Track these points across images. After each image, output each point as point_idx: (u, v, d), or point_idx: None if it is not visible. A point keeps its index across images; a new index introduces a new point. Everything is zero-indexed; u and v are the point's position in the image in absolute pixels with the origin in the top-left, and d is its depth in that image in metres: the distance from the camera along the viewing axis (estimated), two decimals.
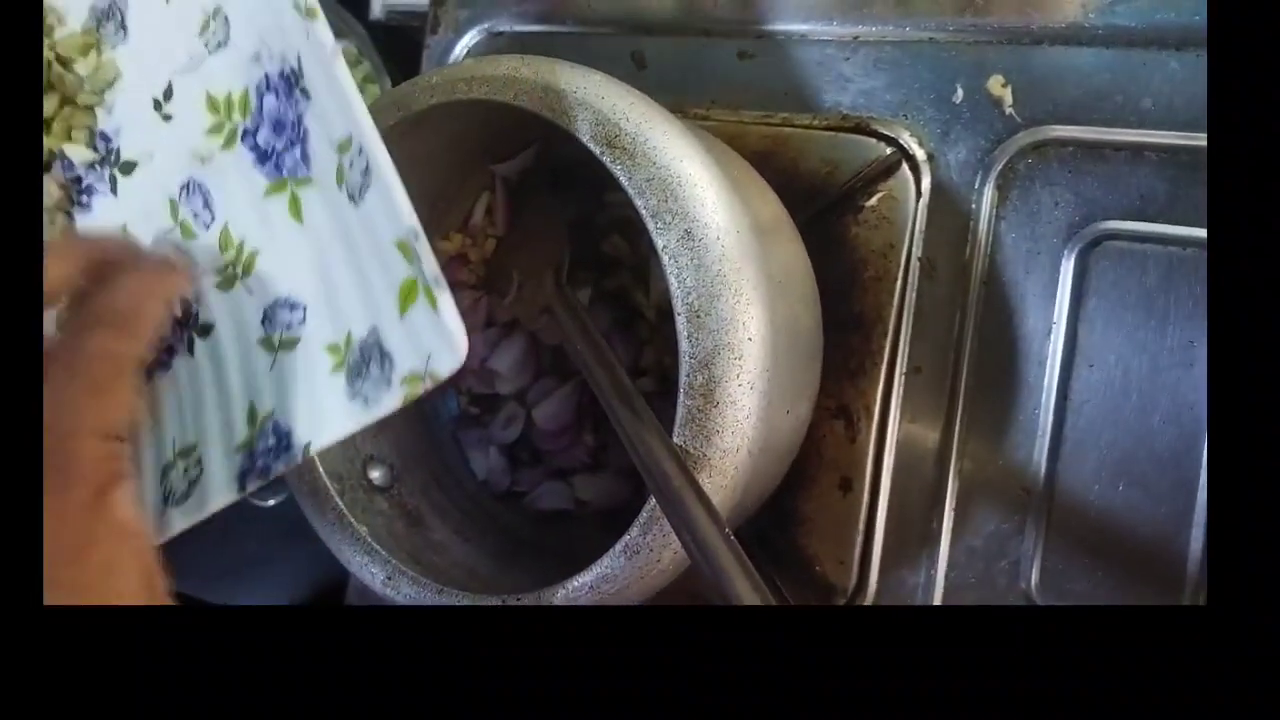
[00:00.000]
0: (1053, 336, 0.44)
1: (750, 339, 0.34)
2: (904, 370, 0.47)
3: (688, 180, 0.35)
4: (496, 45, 0.57)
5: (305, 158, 0.35)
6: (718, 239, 0.34)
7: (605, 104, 0.36)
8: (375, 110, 0.40)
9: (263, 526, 0.70)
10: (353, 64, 0.71)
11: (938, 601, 0.46)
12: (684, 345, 0.34)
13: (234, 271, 0.38)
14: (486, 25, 0.57)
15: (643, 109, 0.36)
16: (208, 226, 0.39)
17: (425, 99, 0.39)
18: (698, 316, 0.34)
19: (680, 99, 0.52)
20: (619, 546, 0.35)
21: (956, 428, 0.46)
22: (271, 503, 0.70)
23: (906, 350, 0.47)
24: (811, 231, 0.46)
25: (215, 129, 0.38)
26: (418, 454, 0.51)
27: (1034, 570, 0.44)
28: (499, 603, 0.38)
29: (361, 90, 0.39)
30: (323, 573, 0.70)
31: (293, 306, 0.36)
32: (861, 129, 0.48)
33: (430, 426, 0.53)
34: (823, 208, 0.47)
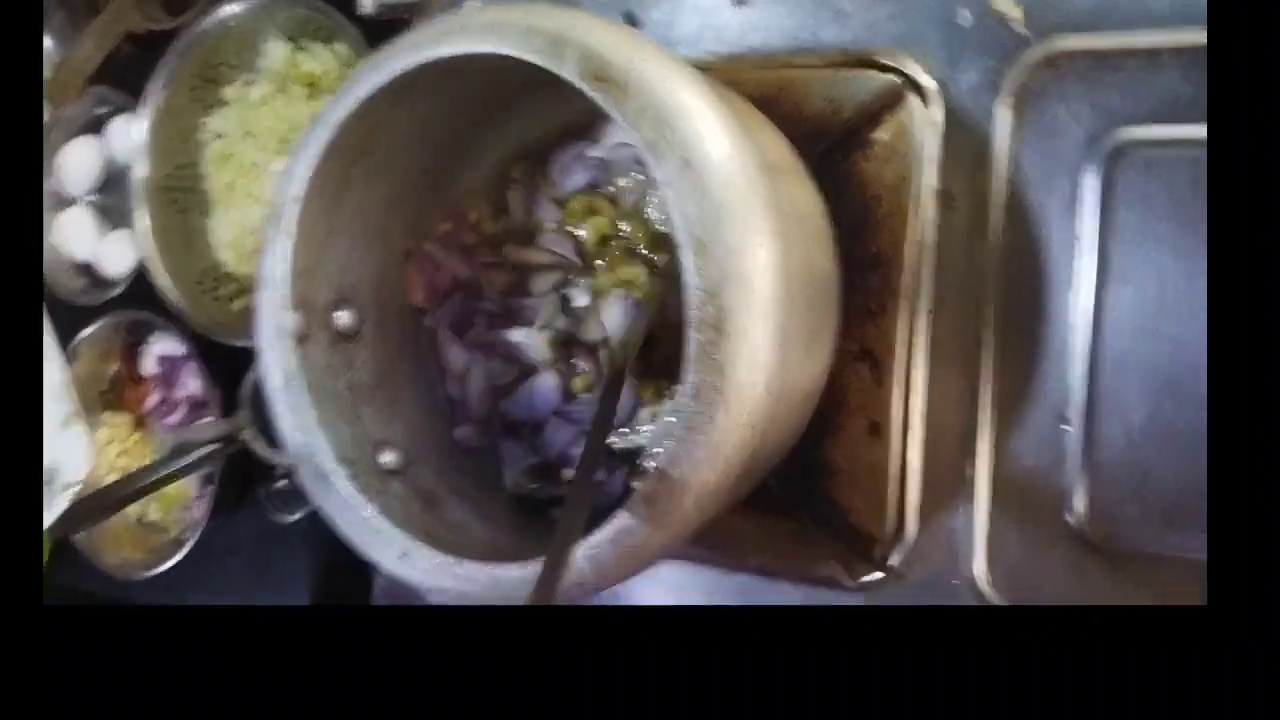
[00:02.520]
0: (1082, 256, 0.42)
1: (760, 269, 0.33)
2: (927, 307, 0.45)
3: (683, 110, 0.33)
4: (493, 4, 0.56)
5: None
6: (719, 167, 0.33)
7: (593, 38, 0.34)
8: (359, 75, 0.39)
9: (287, 542, 0.70)
10: (346, 64, 0.70)
11: (980, 541, 0.43)
12: (691, 279, 0.32)
13: None
14: (478, 3, 0.56)
15: (632, 40, 0.35)
16: None
17: (409, 58, 0.38)
18: (703, 246, 0.32)
19: (677, 53, 0.50)
20: (636, 496, 0.34)
21: (987, 363, 0.44)
22: (292, 519, 0.69)
23: (930, 287, 0.45)
24: (821, 172, 0.45)
25: None
26: (434, 439, 0.50)
27: (1079, 501, 0.42)
28: (520, 572, 0.36)
29: None
30: (348, 584, 0.69)
31: None
32: (864, 63, 0.46)
33: (444, 410, 0.52)
34: (830, 146, 0.46)
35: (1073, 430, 0.42)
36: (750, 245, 0.33)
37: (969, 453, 0.44)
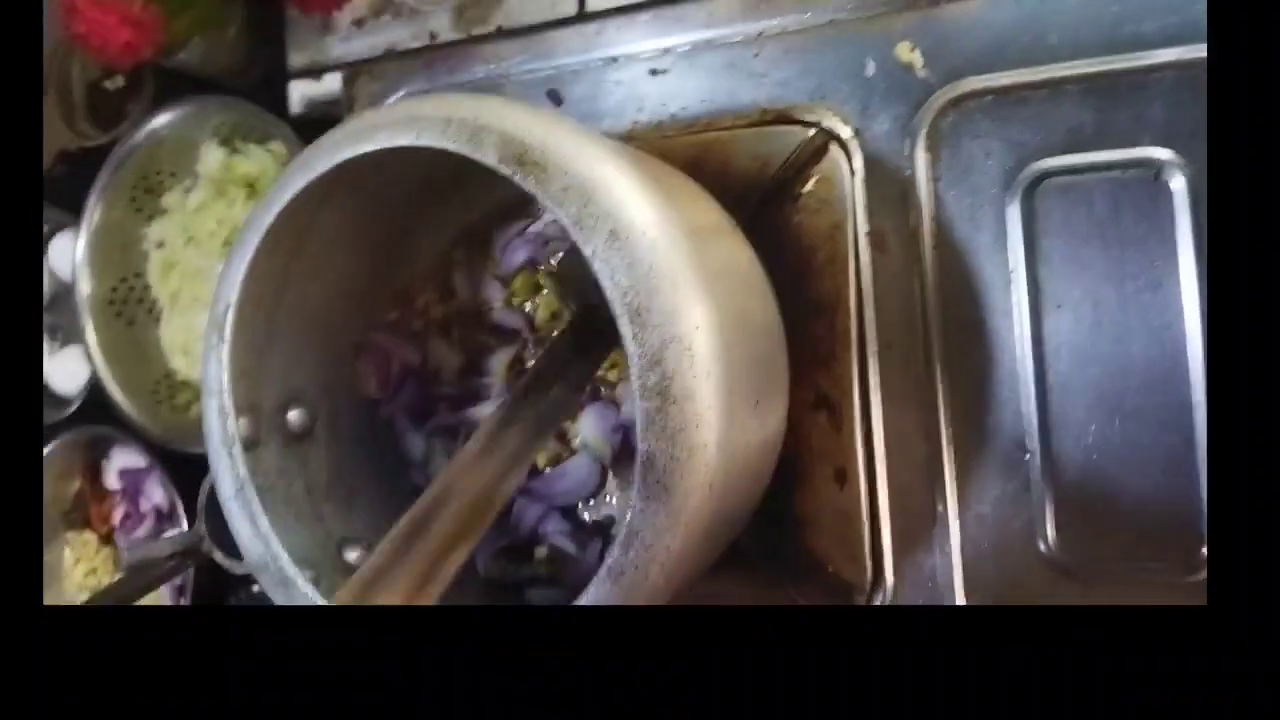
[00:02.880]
0: (1014, 285, 0.43)
1: (698, 327, 0.33)
2: (875, 349, 0.45)
3: (604, 183, 0.34)
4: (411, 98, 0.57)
5: None
6: (645, 234, 0.33)
7: (509, 124, 0.35)
8: (285, 178, 0.40)
9: None
10: (283, 162, 0.71)
11: (958, 578, 0.43)
12: (630, 347, 0.33)
13: None
14: (402, 92, 0.57)
15: (547, 122, 0.36)
16: None
17: (329, 158, 0.38)
18: (639, 315, 0.33)
19: (601, 126, 0.52)
20: (603, 572, 0.34)
21: (940, 396, 0.44)
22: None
23: (873, 328, 0.46)
24: (755, 228, 0.45)
25: None
26: None
27: (1048, 527, 0.42)
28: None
29: None
30: None
31: None
32: (783, 119, 0.48)
33: (409, 500, 0.51)
34: (760, 201, 0.47)
35: (1033, 456, 0.43)
36: (685, 308, 0.33)
37: (937, 488, 0.44)
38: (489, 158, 0.35)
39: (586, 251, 0.34)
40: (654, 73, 0.51)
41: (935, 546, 0.44)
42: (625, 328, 0.33)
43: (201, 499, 0.48)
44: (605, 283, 0.33)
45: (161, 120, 0.72)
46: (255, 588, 0.67)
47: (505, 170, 0.35)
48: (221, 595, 0.69)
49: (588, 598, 0.34)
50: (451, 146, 0.36)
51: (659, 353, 0.32)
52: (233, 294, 0.41)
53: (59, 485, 0.78)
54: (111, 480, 0.77)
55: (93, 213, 0.74)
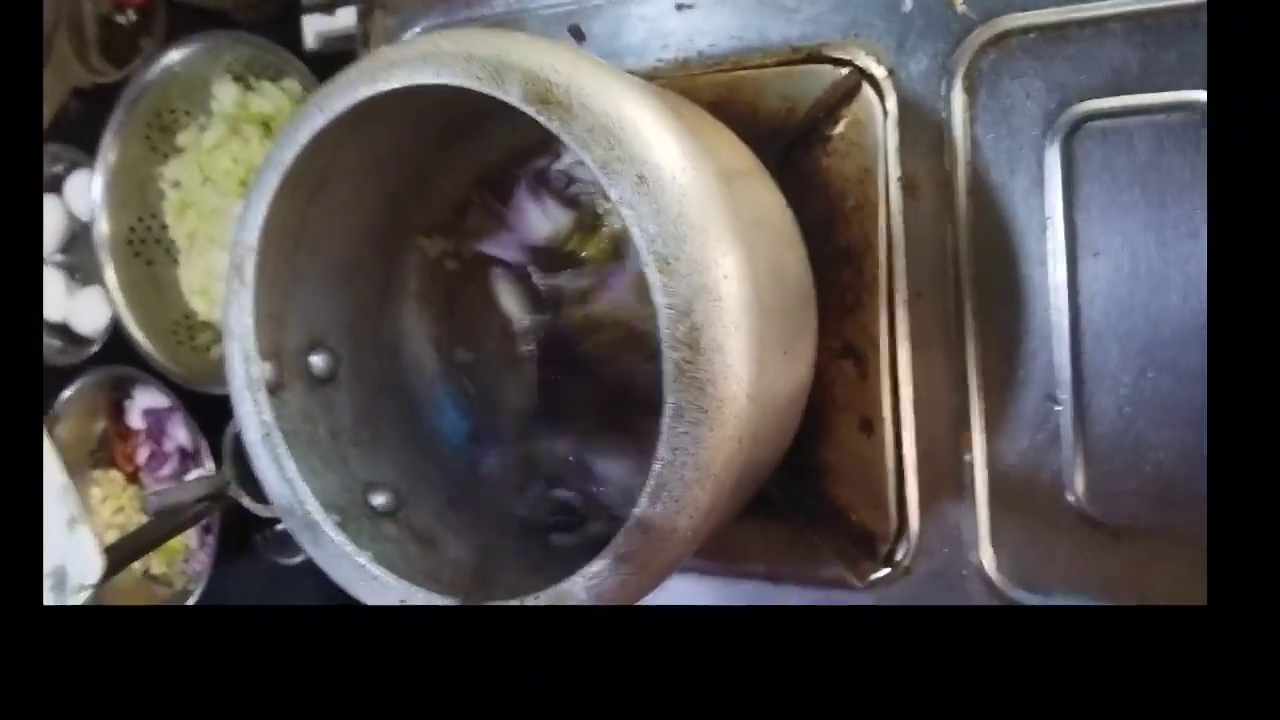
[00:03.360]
0: (1050, 232, 0.42)
1: (727, 277, 0.32)
2: (905, 297, 0.45)
3: (631, 123, 0.33)
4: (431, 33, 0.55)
5: None
6: (674, 179, 0.32)
7: (532, 61, 0.34)
8: (300, 117, 0.39)
9: (292, 584, 0.69)
10: (297, 100, 0.70)
11: (984, 529, 0.43)
12: (658, 297, 0.32)
13: None
14: (419, 28, 0.55)
15: (572, 59, 0.34)
16: None
17: (346, 97, 0.37)
18: (667, 263, 0.32)
19: (624, 64, 0.50)
20: (632, 521, 0.33)
21: (970, 346, 0.44)
22: (293, 561, 0.69)
23: (904, 276, 0.45)
24: (783, 172, 0.44)
25: None
26: (424, 473, 0.49)
27: (1078, 479, 0.42)
28: (519, 604, 0.36)
29: None
30: None
31: None
32: (814, 58, 0.46)
33: (434, 444, 0.51)
34: (788, 144, 0.45)
35: (1064, 408, 0.42)
36: (715, 256, 0.32)
37: (964, 440, 0.43)
38: (512, 96, 0.34)
39: (613, 196, 0.33)
40: (680, 8, 0.49)
41: (961, 498, 0.43)
42: (653, 277, 0.32)
43: (227, 442, 0.49)
44: (632, 229, 0.32)
45: (174, 57, 0.71)
46: (279, 526, 0.68)
47: (529, 109, 0.34)
48: (247, 535, 0.70)
49: (615, 548, 0.34)
50: (473, 85, 0.34)
51: (688, 303, 0.32)
52: (253, 237, 0.40)
53: (84, 424, 0.79)
54: (135, 420, 0.78)
55: (108, 152, 0.73)
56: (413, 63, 0.36)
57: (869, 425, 0.44)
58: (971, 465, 0.43)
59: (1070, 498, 0.42)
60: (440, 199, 0.51)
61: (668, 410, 0.32)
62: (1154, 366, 0.41)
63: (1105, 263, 0.41)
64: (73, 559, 0.47)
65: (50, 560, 0.46)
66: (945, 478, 0.44)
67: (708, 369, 0.32)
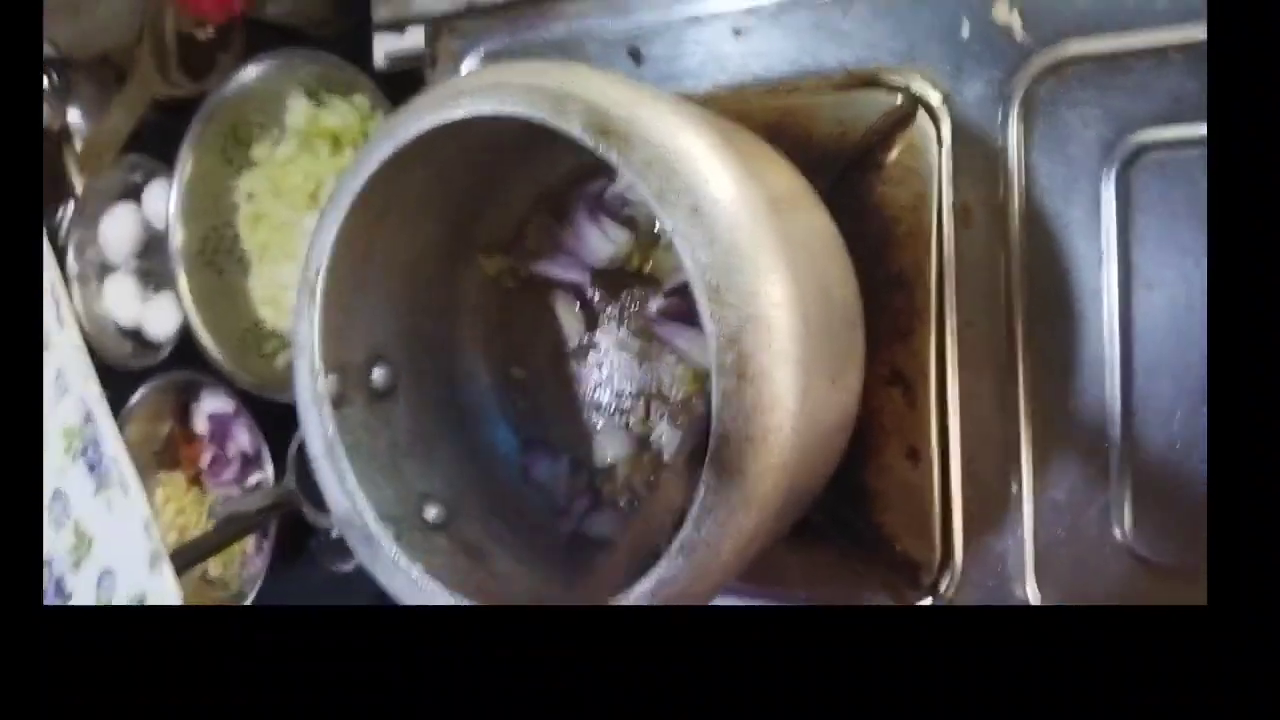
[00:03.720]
0: (1105, 264, 0.42)
1: (776, 307, 0.33)
2: (955, 326, 0.45)
3: (687, 155, 0.34)
4: (497, 64, 0.57)
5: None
6: (726, 210, 0.33)
7: (592, 93, 0.35)
8: (371, 144, 0.40)
9: (346, 591, 0.71)
10: (366, 117, 0.72)
11: (1029, 564, 0.43)
12: (708, 325, 0.33)
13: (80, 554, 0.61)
14: (483, 50, 0.57)
15: (631, 92, 0.35)
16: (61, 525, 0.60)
17: (414, 126, 0.38)
18: (717, 292, 0.33)
19: (681, 87, 0.51)
20: (675, 546, 0.34)
21: (1020, 377, 0.43)
22: (347, 568, 0.71)
23: (954, 304, 0.45)
24: (836, 196, 0.45)
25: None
26: (474, 487, 0.50)
27: (1126, 516, 0.42)
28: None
29: None
30: None
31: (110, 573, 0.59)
32: (869, 82, 0.46)
33: (484, 459, 0.53)
34: (842, 169, 0.46)
35: (1114, 443, 0.42)
36: (764, 286, 0.33)
37: (1012, 471, 0.43)
38: (573, 128, 0.35)
39: (667, 225, 0.34)
40: (737, 32, 0.50)
41: (1007, 530, 0.43)
42: (703, 305, 0.33)
43: (290, 453, 0.50)
44: (685, 259, 0.33)
45: (250, 72, 0.74)
46: (333, 533, 0.70)
47: (589, 141, 0.35)
48: (302, 540, 0.72)
49: (660, 572, 0.34)
50: (536, 116, 0.36)
51: (737, 331, 0.33)
52: (324, 258, 0.42)
53: (151, 426, 0.83)
54: (200, 424, 0.81)
55: (185, 163, 0.76)
56: (478, 93, 0.37)
57: (916, 453, 0.44)
58: (1019, 498, 0.43)
59: (1118, 534, 0.41)
60: (501, 218, 0.52)
61: (714, 436, 0.33)
62: (1206, 403, 0.40)
63: (1160, 296, 0.41)
64: (153, 591, 0.51)
65: (130, 590, 0.50)
66: (991, 509, 0.43)
67: (755, 397, 0.32)
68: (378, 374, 0.47)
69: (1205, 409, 0.40)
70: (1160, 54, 0.40)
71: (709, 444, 0.33)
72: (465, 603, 0.40)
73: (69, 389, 0.68)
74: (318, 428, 0.43)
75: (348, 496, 0.42)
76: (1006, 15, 0.43)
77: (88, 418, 0.66)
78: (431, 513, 0.46)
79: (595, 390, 0.52)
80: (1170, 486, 0.41)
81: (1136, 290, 0.41)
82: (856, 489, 0.45)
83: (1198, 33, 0.40)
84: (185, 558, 0.52)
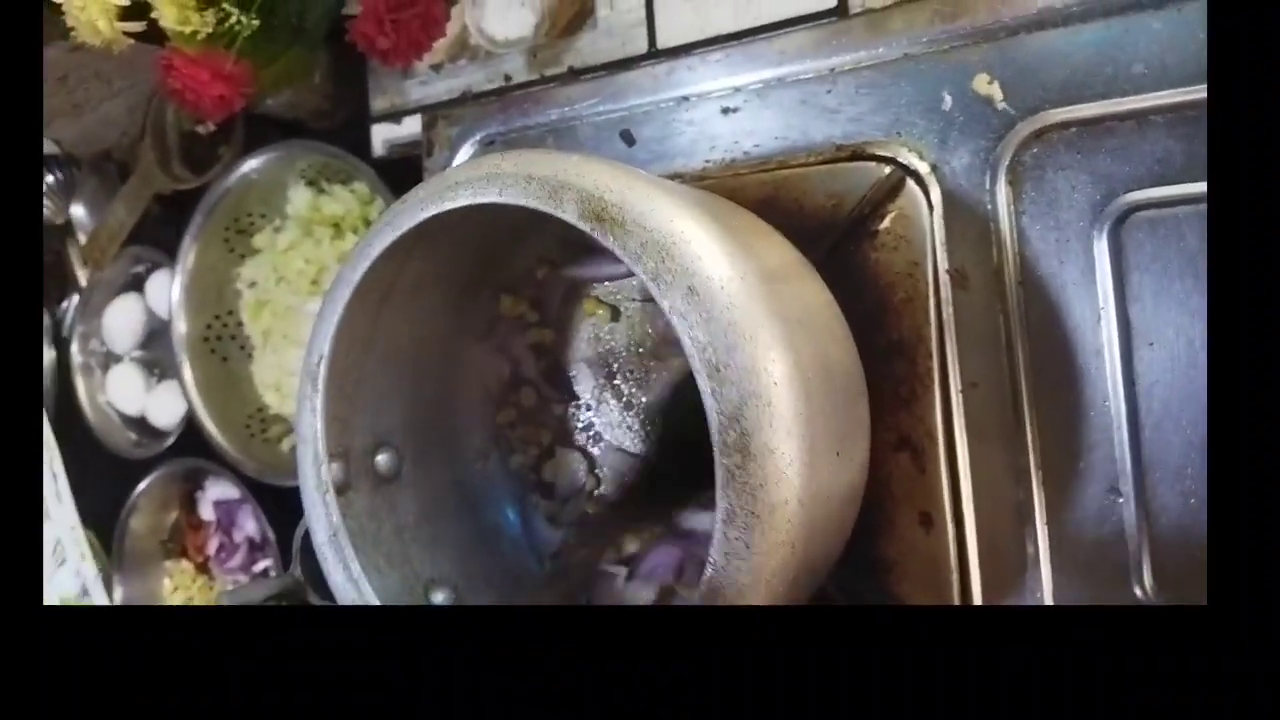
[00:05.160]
0: (1104, 322, 0.42)
1: (776, 383, 0.33)
2: (959, 388, 0.45)
3: (681, 237, 0.34)
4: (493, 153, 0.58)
5: None
6: (722, 289, 0.34)
7: (587, 181, 0.36)
8: (371, 234, 0.41)
9: None
10: (366, 202, 0.73)
11: None
12: (709, 402, 0.33)
13: None
14: (478, 136, 0.58)
15: (624, 178, 0.36)
16: None
17: (414, 216, 0.39)
18: (717, 371, 0.33)
19: (673, 166, 0.52)
20: None
21: (1028, 437, 0.43)
22: None
23: (957, 367, 0.45)
24: (831, 267, 0.45)
25: None
26: (483, 569, 0.50)
27: (1145, 572, 0.41)
28: None
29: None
30: None
31: None
32: (858, 155, 0.47)
33: (492, 539, 0.52)
34: (836, 240, 0.46)
35: (1127, 499, 0.41)
36: (764, 364, 0.33)
37: (1027, 532, 0.43)
38: (569, 215, 0.36)
39: (664, 306, 0.34)
40: (726, 111, 0.51)
41: (1026, 593, 0.43)
42: (704, 383, 0.33)
43: (296, 541, 0.50)
44: (683, 338, 0.33)
45: (251, 164, 0.75)
46: None
47: (585, 227, 0.35)
48: None
49: None
50: (532, 204, 0.36)
51: (738, 409, 0.33)
52: (325, 346, 0.42)
53: (157, 516, 0.82)
54: (206, 511, 0.80)
55: (187, 254, 0.77)
56: (476, 183, 0.38)
57: (929, 519, 0.44)
58: (1036, 558, 0.43)
59: (1138, 592, 0.41)
60: (502, 294, 0.53)
61: (720, 515, 0.33)
62: None
63: (1161, 352, 0.41)
64: None
65: None
66: (1009, 573, 0.43)
67: (759, 474, 0.32)
68: (382, 459, 0.47)
69: None
70: (1142, 117, 0.41)
71: (714, 525, 0.33)
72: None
73: (66, 560, 0.69)
74: (322, 516, 0.43)
75: (353, 584, 0.42)
76: (986, 86, 0.44)
77: (84, 591, 0.69)
78: (439, 597, 0.45)
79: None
80: (1188, 543, 0.40)
81: (1138, 347, 0.41)
82: (872, 559, 0.45)
83: (1177, 96, 0.40)
84: None
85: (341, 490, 0.44)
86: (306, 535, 0.48)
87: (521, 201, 0.37)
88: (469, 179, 0.39)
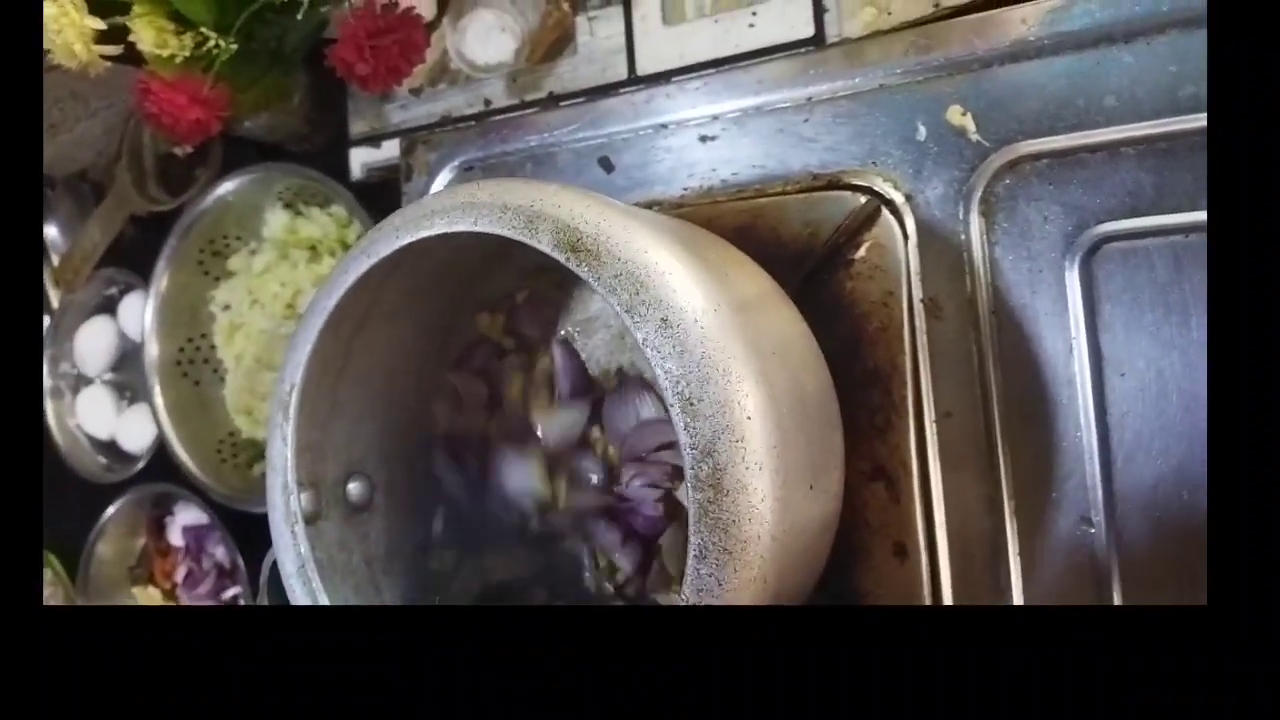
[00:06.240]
0: (1076, 352, 0.42)
1: (749, 417, 0.33)
2: (933, 417, 0.45)
3: (655, 269, 0.34)
4: (470, 179, 0.58)
5: None
6: (695, 321, 0.33)
7: (563, 211, 0.36)
8: (345, 262, 0.41)
9: None
10: (344, 225, 0.73)
11: None
12: (682, 437, 0.33)
13: None
14: (457, 161, 0.58)
15: (599, 208, 0.36)
16: None
17: (391, 241, 0.39)
18: (690, 404, 0.33)
19: (652, 193, 0.52)
20: None
21: (1001, 467, 0.43)
22: None
23: (931, 396, 0.45)
24: (806, 296, 0.45)
25: None
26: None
27: (1116, 602, 0.41)
28: None
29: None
30: None
31: None
32: (834, 184, 0.47)
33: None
34: (812, 269, 0.46)
35: (1098, 529, 0.41)
36: (737, 397, 0.33)
37: (1000, 563, 0.43)
38: (544, 244, 0.35)
39: (638, 338, 0.34)
40: (704, 139, 0.51)
41: None
42: (677, 417, 0.33)
43: (264, 572, 0.50)
44: (657, 370, 0.33)
45: (228, 186, 0.75)
46: None
47: (559, 256, 0.35)
48: None
49: None
50: (507, 233, 0.36)
51: (711, 443, 0.32)
52: (297, 375, 0.42)
53: (125, 541, 0.81)
54: (175, 537, 0.79)
55: (161, 277, 0.76)
56: (451, 212, 0.38)
57: (903, 549, 0.44)
58: (1009, 588, 0.43)
59: None
60: (475, 323, 0.52)
61: (691, 551, 0.32)
62: (1189, 487, 0.40)
63: (1132, 383, 0.41)
64: None
65: None
66: (982, 602, 0.43)
67: (731, 510, 0.32)
68: (353, 488, 0.46)
69: (1185, 493, 0.40)
70: (1113, 149, 0.42)
71: (688, 557, 0.32)
72: None
73: None
74: (290, 547, 0.42)
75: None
76: (960, 118, 0.45)
77: None
78: None
79: None
80: (1158, 573, 0.40)
81: (1109, 377, 0.42)
82: (845, 590, 0.45)
83: (1148, 129, 0.41)
84: None
85: (311, 520, 0.43)
86: (274, 565, 0.47)
87: (497, 230, 0.36)
88: (444, 208, 0.38)
